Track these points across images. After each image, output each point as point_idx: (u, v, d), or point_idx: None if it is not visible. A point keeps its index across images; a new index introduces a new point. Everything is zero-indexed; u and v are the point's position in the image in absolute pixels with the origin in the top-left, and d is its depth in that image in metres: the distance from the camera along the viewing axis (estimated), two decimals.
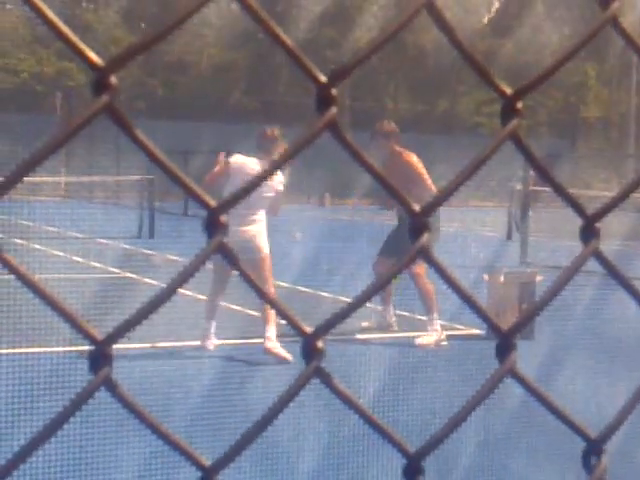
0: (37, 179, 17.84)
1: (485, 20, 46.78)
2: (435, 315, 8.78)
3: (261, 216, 8.03)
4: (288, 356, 7.42)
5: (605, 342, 8.83)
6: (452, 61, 40.79)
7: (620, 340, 8.81)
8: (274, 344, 7.56)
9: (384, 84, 41.91)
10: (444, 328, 8.86)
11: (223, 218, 0.65)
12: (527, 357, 8.13)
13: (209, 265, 7.71)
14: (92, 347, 0.61)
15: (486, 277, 9.58)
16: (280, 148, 8.12)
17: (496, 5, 47.71)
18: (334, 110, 0.69)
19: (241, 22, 36.94)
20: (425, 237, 0.72)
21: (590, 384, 6.96)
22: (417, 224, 0.72)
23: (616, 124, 46.27)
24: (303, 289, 11.09)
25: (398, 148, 9.13)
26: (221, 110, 36.02)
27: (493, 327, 0.75)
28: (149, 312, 0.64)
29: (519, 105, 0.78)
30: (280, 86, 39.21)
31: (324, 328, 0.67)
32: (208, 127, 32.05)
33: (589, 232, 0.82)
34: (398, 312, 9.41)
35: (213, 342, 8.02)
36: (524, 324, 0.77)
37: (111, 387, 0.61)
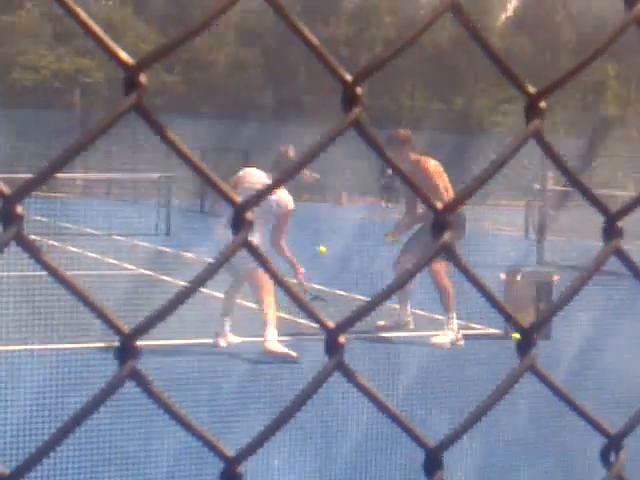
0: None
1: (503, 18, 46.63)
2: (453, 314, 8.77)
3: (263, 230, 7.94)
4: (292, 353, 7.43)
5: (623, 342, 8.79)
6: (469, 60, 40.68)
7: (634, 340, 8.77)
8: (274, 344, 7.58)
9: (401, 82, 41.84)
10: (462, 327, 8.86)
11: (249, 215, 0.66)
12: (544, 357, 8.11)
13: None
14: (119, 340, 0.62)
15: (503, 276, 9.57)
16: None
17: (514, 4, 47.56)
18: (359, 108, 0.70)
19: (256, 20, 36.97)
20: (447, 234, 0.73)
21: (609, 383, 6.94)
22: (440, 221, 0.73)
23: (635, 123, 46.02)
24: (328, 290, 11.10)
25: (414, 156, 9.07)
26: (238, 107, 36.07)
27: (514, 324, 0.75)
28: (174, 307, 0.65)
29: (542, 105, 0.79)
30: (297, 84, 39.23)
31: (347, 323, 0.68)
32: (225, 124, 32.09)
33: (611, 231, 0.83)
34: (415, 310, 9.40)
35: (228, 339, 8.05)
36: (545, 322, 0.77)
37: (138, 379, 0.62)
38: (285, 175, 0.71)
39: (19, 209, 0.63)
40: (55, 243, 13.56)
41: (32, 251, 0.63)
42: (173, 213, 19.58)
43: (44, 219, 15.00)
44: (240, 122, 32.49)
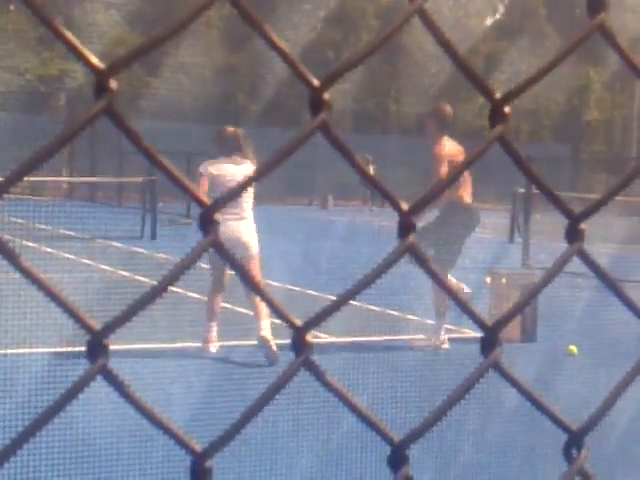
0: (39, 179, 17.86)
1: (488, 23, 46.78)
2: (443, 318, 8.51)
3: (249, 213, 8.01)
4: (277, 353, 7.41)
5: (602, 344, 8.84)
6: (453, 63, 40.71)
7: (616, 341, 8.82)
8: (268, 333, 7.56)
9: (386, 87, 41.91)
10: (451, 332, 8.79)
11: (217, 216, 0.67)
12: (530, 359, 8.16)
13: (206, 266, 7.73)
14: (90, 338, 0.64)
15: (488, 279, 9.60)
16: (245, 148, 8.18)
17: (500, 9, 47.71)
18: (327, 112, 0.71)
19: (242, 24, 36.92)
20: (412, 236, 0.74)
21: (589, 384, 6.97)
22: (405, 223, 0.74)
23: (619, 128, 46.25)
24: (307, 291, 11.11)
25: (439, 136, 8.50)
26: (224, 112, 36.03)
27: (478, 322, 0.77)
28: (144, 306, 0.66)
29: (506, 110, 0.80)
30: (282, 88, 39.24)
31: (314, 321, 0.69)
32: (210, 129, 32.06)
33: (574, 233, 0.85)
34: (393, 312, 9.38)
35: (215, 344, 8.01)
36: (508, 320, 0.79)
37: (107, 376, 0.63)
38: (255, 175, 0.72)
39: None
40: (35, 245, 13.48)
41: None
42: (159, 217, 19.55)
43: (31, 222, 14.93)
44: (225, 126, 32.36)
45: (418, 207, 0.75)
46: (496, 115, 0.80)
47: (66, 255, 13.73)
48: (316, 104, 0.70)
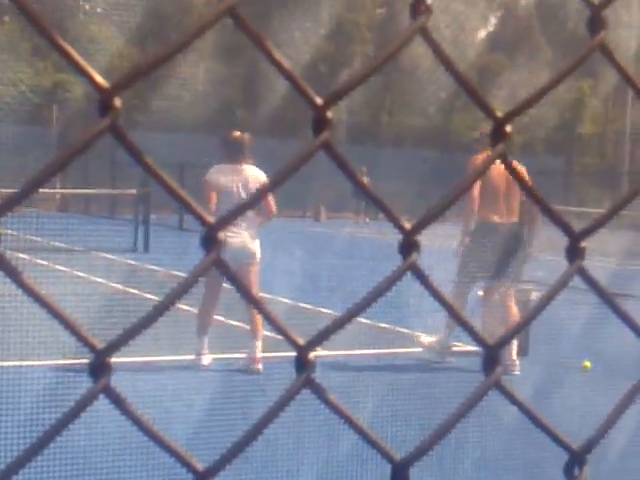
0: None
1: (483, 35, 46.94)
2: (450, 329, 8.47)
3: (252, 221, 7.95)
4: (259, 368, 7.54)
5: (599, 358, 8.84)
6: (449, 76, 40.82)
7: (613, 355, 8.83)
8: (259, 354, 7.67)
9: (380, 98, 41.99)
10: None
11: (220, 235, 0.67)
12: (522, 373, 8.15)
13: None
14: (92, 356, 0.64)
15: (481, 293, 9.59)
16: (248, 155, 8.16)
17: (493, 21, 47.88)
18: (329, 131, 0.71)
19: (237, 35, 37.02)
20: (415, 254, 0.74)
21: (585, 401, 6.97)
22: (407, 241, 0.74)
23: (612, 141, 46.39)
24: (303, 305, 11.10)
25: (480, 154, 8.32)
26: (218, 123, 36.06)
27: (479, 341, 0.77)
28: (147, 324, 0.66)
29: (508, 129, 0.81)
30: (278, 100, 39.30)
31: (317, 340, 0.69)
32: (204, 140, 32.07)
33: (574, 251, 0.85)
34: (398, 329, 9.39)
35: (207, 357, 7.99)
36: (509, 339, 0.79)
37: (110, 395, 0.63)
38: (260, 194, 0.72)
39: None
40: (28, 257, 13.45)
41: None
42: (152, 229, 19.52)
43: (22, 235, 14.90)
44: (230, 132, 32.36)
45: (420, 226, 0.74)
46: (498, 134, 0.80)
47: (59, 267, 13.70)
48: (319, 123, 0.71)
